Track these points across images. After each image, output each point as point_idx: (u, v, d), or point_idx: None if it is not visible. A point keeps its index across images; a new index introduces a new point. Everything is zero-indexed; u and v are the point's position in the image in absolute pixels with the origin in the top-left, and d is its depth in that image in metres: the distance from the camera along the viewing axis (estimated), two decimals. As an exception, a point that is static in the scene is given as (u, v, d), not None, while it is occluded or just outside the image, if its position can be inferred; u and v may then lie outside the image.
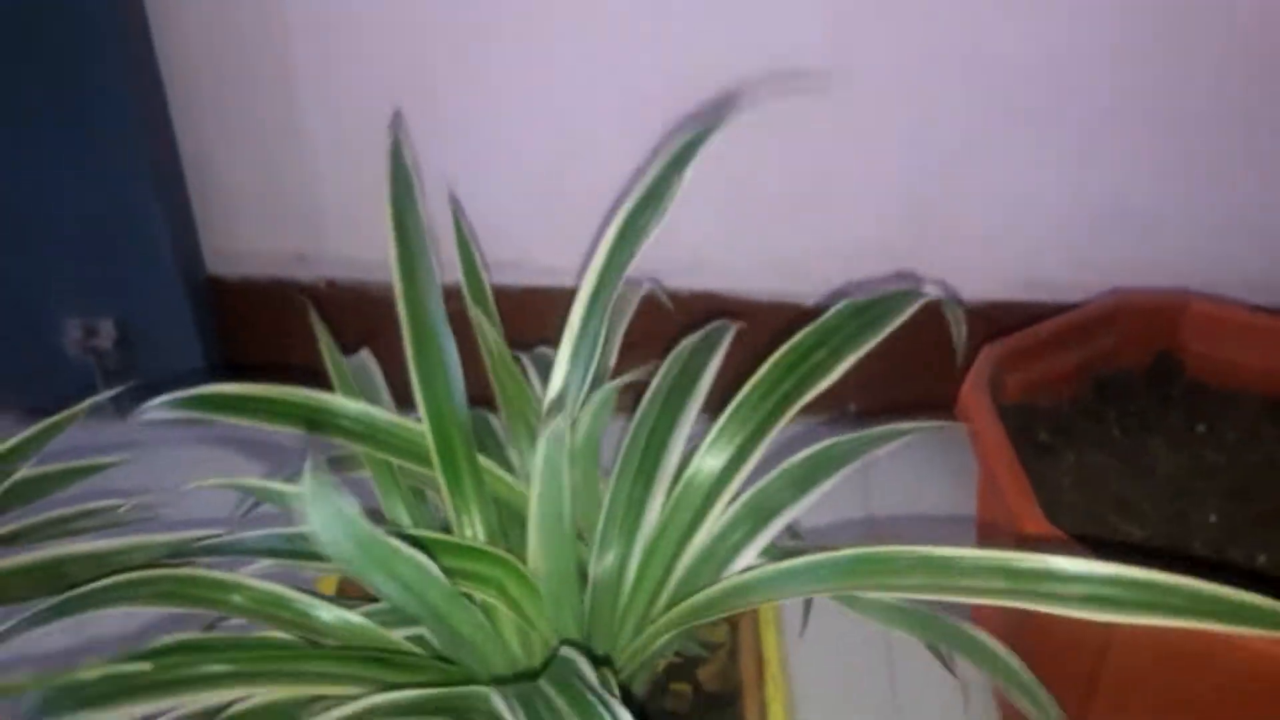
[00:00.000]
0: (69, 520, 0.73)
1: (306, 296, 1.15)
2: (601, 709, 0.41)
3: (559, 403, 0.63)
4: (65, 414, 0.70)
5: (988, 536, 0.84)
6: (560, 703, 0.43)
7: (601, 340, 0.65)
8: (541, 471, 0.54)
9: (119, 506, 0.75)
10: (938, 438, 0.97)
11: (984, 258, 1.11)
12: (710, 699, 0.69)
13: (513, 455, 0.72)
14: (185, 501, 0.98)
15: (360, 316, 1.16)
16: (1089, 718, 0.69)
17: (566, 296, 1.13)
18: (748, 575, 0.55)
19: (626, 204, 0.68)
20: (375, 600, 0.64)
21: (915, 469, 1.09)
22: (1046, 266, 1.11)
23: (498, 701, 0.45)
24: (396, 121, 0.76)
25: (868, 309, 0.63)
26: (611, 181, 1.08)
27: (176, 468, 1.08)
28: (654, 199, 0.69)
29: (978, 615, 0.64)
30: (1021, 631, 0.69)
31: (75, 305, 1.10)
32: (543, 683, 0.46)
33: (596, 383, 0.68)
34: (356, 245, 1.14)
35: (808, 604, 0.77)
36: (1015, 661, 0.55)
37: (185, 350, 1.12)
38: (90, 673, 0.52)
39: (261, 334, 1.18)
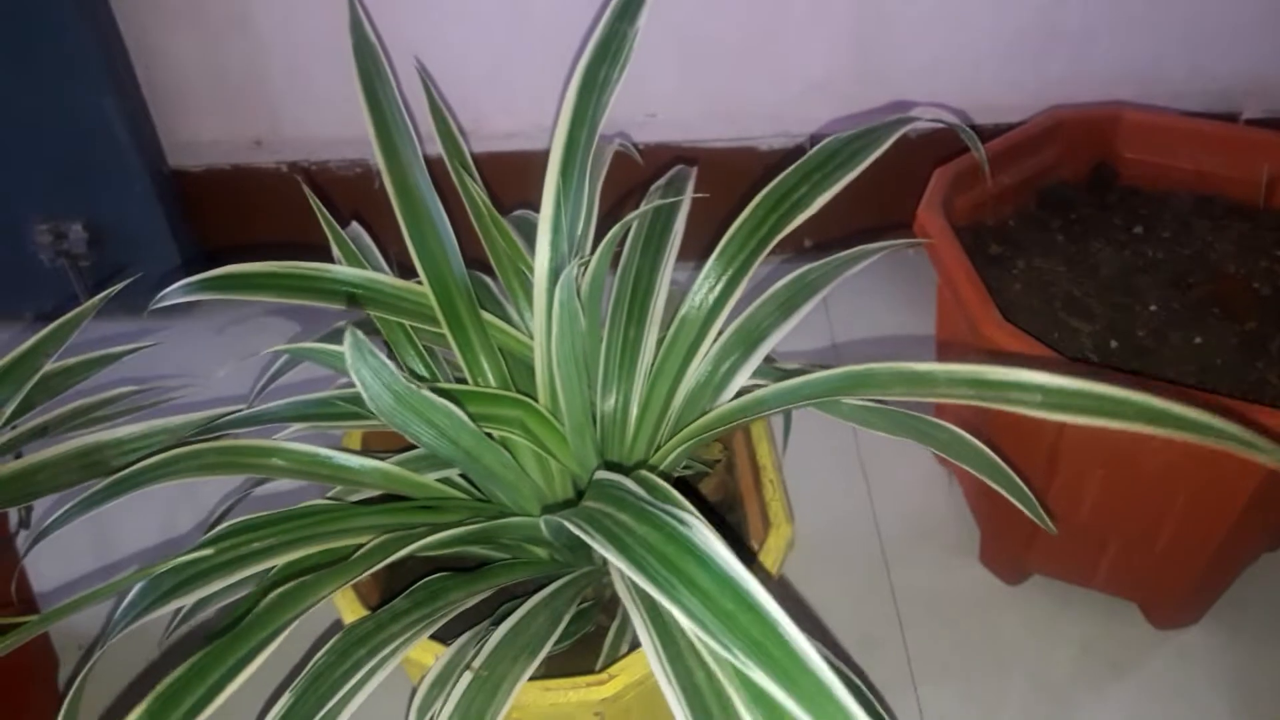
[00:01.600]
0: (94, 409, 0.76)
1: (268, 181, 1.17)
2: (656, 510, 0.47)
3: (561, 253, 0.67)
4: (81, 308, 0.72)
5: (948, 347, 0.91)
6: (612, 510, 0.49)
7: (586, 195, 0.68)
8: (558, 315, 0.58)
9: (138, 391, 0.78)
10: (888, 267, 1.03)
11: (925, 87, 1.15)
12: (713, 509, 0.76)
13: (510, 310, 0.77)
14: (199, 385, 1.03)
15: (323, 196, 1.17)
16: (1051, 485, 0.77)
17: (525, 159, 1.16)
18: (754, 394, 0.60)
19: (582, 59, 0.71)
20: (400, 451, 0.70)
21: (870, 297, 1.16)
22: (985, 90, 1.15)
23: (547, 524, 0.51)
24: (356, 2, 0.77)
25: (849, 143, 0.67)
26: (561, 42, 1.09)
27: (188, 352, 1.12)
28: (609, 51, 0.71)
29: (940, 416, 0.70)
30: (984, 428, 0.76)
31: (42, 211, 1.11)
32: (591, 502, 0.52)
33: (580, 236, 0.72)
34: (312, 125, 1.15)
35: (787, 420, 0.83)
36: (990, 451, 0.62)
37: (157, 243, 1.14)
38: (163, 567, 0.57)
39: (229, 220, 1.19)
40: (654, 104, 1.14)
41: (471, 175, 0.75)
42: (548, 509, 0.61)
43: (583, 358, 0.63)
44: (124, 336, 0.79)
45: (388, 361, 0.48)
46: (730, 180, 1.06)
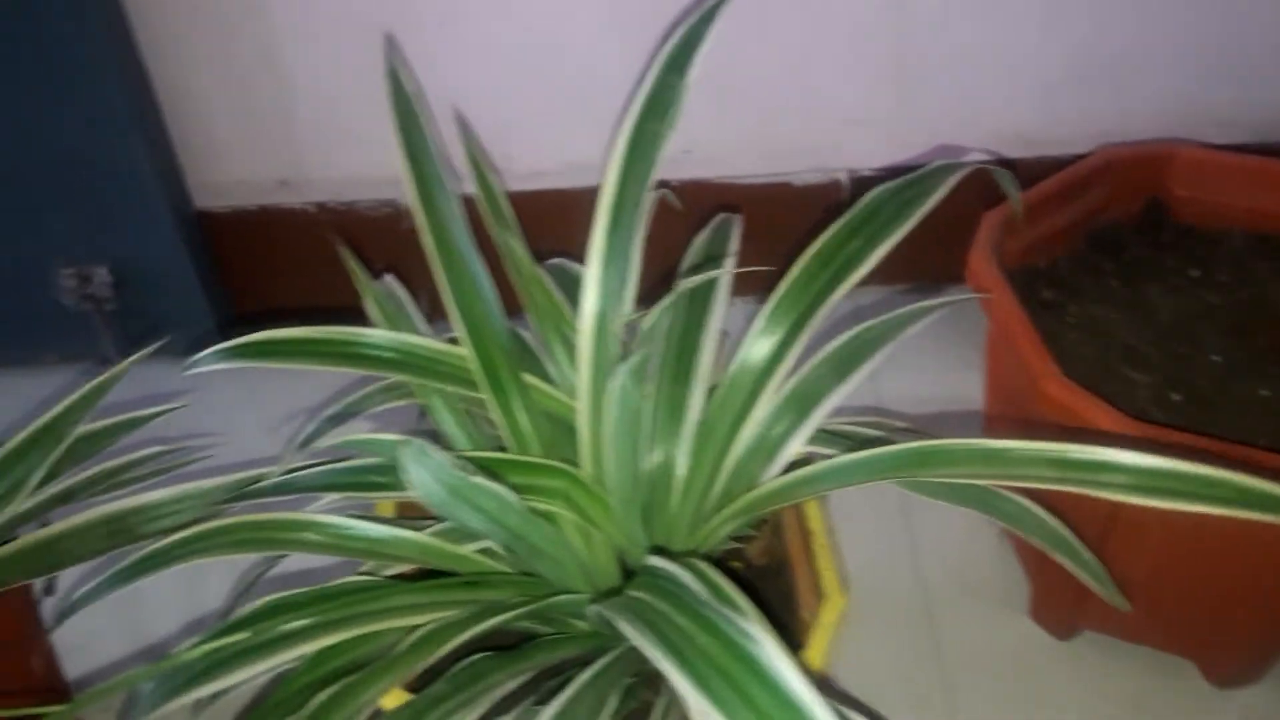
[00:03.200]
0: (120, 471, 0.74)
1: (297, 222, 1.15)
2: (718, 618, 0.44)
3: (607, 319, 0.64)
4: (111, 372, 0.70)
5: (1000, 401, 0.88)
6: (668, 609, 0.46)
7: (634, 253, 0.66)
8: (617, 402, 0.56)
9: (165, 452, 0.76)
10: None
11: (964, 120, 1.12)
12: (760, 573, 0.73)
13: (547, 364, 0.74)
14: (226, 444, 1.00)
15: (350, 237, 1.15)
16: (1107, 542, 0.74)
17: (553, 198, 1.13)
18: (812, 469, 0.57)
19: (630, 115, 0.68)
20: (435, 519, 0.67)
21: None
22: (1025, 123, 1.13)
23: (595, 615, 0.48)
24: (390, 47, 0.75)
25: (898, 192, 0.65)
26: (589, 79, 1.07)
27: (215, 410, 1.09)
28: (658, 106, 0.69)
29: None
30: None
31: (67, 254, 1.09)
32: (642, 594, 0.49)
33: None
34: (339, 166, 1.13)
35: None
36: (1062, 527, 0.59)
37: (182, 286, 1.12)
38: (193, 653, 0.54)
39: (255, 262, 1.17)
40: (690, 141, 1.12)
41: (510, 228, 0.73)
42: (596, 597, 0.58)
43: (638, 435, 0.61)
44: (148, 379, 0.76)
45: (442, 459, 0.45)
46: (767, 217, 1.03)
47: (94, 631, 0.91)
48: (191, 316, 1.12)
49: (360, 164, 1.12)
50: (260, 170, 1.12)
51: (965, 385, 1.03)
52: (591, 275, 0.66)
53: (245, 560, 0.86)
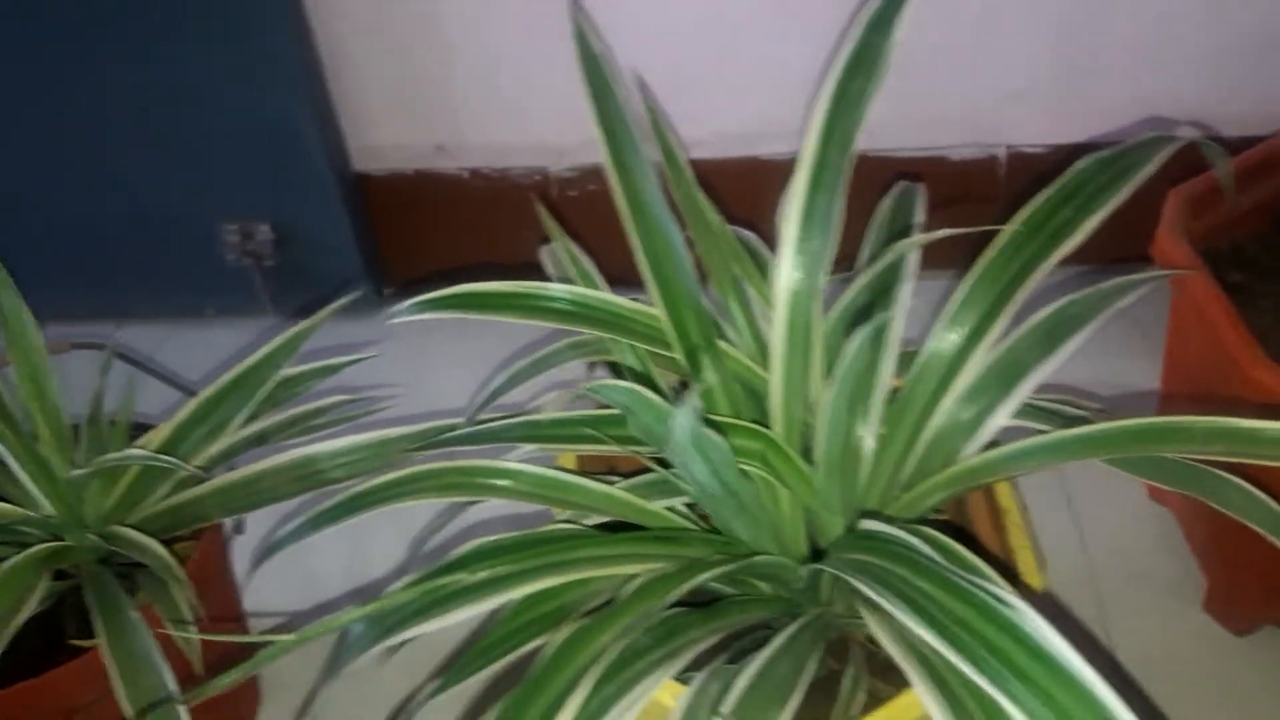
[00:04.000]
0: (307, 418, 0.76)
1: (451, 186, 1.16)
2: (964, 581, 0.43)
3: (812, 281, 0.63)
4: (314, 318, 0.72)
5: (1180, 381, 0.85)
6: (903, 571, 0.45)
7: (835, 217, 0.65)
8: (841, 378, 0.55)
9: (349, 401, 0.78)
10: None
11: (1128, 97, 1.09)
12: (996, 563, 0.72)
13: (728, 329, 0.74)
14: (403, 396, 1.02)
15: (505, 202, 1.17)
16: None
17: (709, 168, 1.12)
18: (1038, 441, 0.56)
19: (833, 72, 0.67)
20: (616, 475, 0.68)
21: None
22: (1193, 100, 1.08)
23: (809, 572, 0.48)
24: (575, 9, 0.75)
25: (1112, 162, 0.63)
26: (744, 49, 1.06)
27: (397, 363, 1.10)
28: (863, 64, 0.68)
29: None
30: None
31: (231, 211, 1.12)
32: (863, 555, 0.48)
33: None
34: (494, 132, 1.13)
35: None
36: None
37: (340, 246, 1.14)
38: (407, 593, 0.55)
39: (410, 225, 1.19)
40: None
41: (695, 187, 0.72)
42: (804, 558, 0.58)
43: (855, 402, 0.60)
44: (315, 343, 0.78)
45: (700, 406, 0.45)
46: (926, 189, 1.01)
47: (266, 584, 0.94)
48: (348, 275, 1.15)
49: (515, 131, 1.12)
50: (417, 135, 1.14)
51: (1126, 371, 1.01)
52: (789, 237, 0.65)
53: (413, 524, 0.88)
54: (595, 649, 0.51)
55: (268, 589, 0.91)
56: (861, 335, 0.53)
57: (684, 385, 0.69)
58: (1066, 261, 0.62)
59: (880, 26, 0.66)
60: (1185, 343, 0.83)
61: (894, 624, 0.50)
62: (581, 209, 1.14)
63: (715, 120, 1.11)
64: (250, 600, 0.85)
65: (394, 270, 1.21)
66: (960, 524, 0.72)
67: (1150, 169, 0.64)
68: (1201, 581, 0.86)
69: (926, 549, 0.47)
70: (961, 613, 0.42)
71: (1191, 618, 0.85)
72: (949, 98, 1.09)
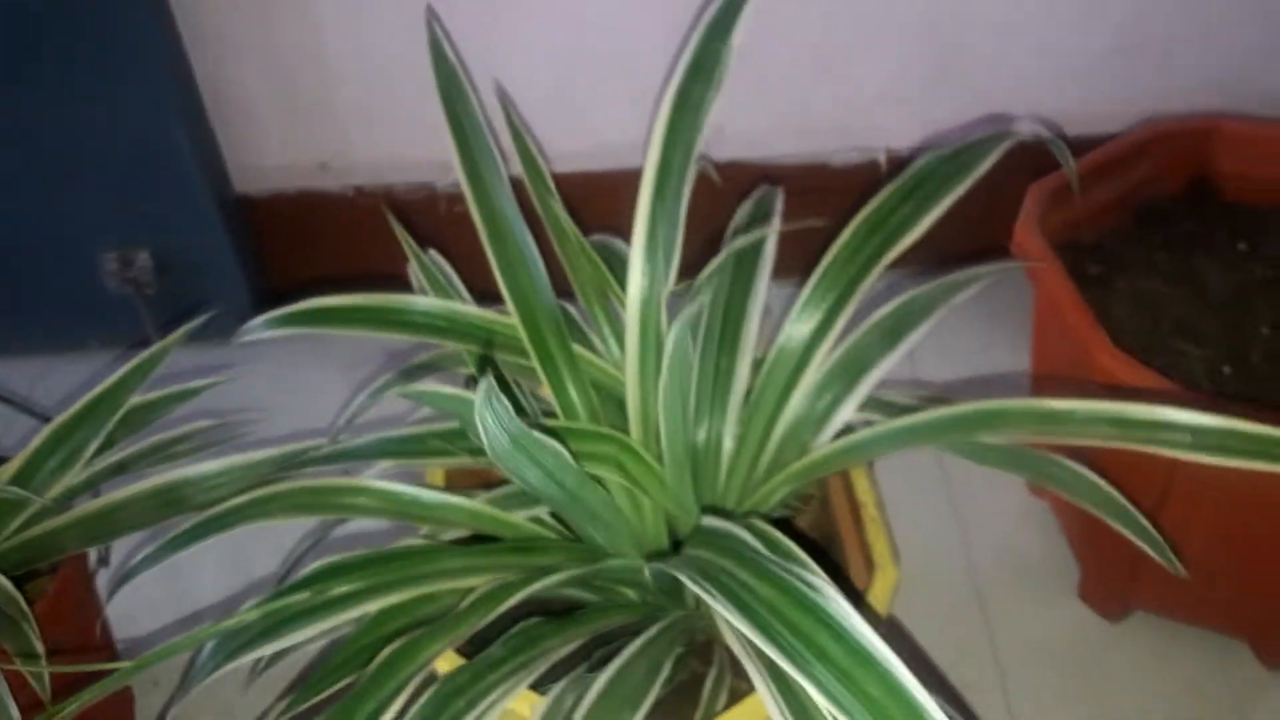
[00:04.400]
0: (171, 444, 0.75)
1: (335, 205, 1.15)
2: (779, 570, 0.44)
3: (657, 282, 0.64)
4: (164, 342, 0.71)
5: (1045, 374, 0.87)
6: (729, 565, 0.46)
7: (680, 218, 0.66)
8: (670, 355, 0.55)
9: (214, 425, 0.76)
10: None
11: (1002, 98, 1.11)
12: (808, 547, 0.73)
13: (593, 338, 0.74)
14: (269, 420, 1.01)
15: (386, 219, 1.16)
16: (1160, 516, 0.73)
17: (590, 180, 1.13)
18: (868, 433, 0.57)
19: (674, 79, 0.68)
20: (484, 488, 0.68)
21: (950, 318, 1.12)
22: (1066, 101, 1.12)
23: (653, 573, 0.48)
24: (432, 22, 0.75)
25: (948, 160, 0.64)
26: (622, 63, 1.07)
27: (262, 385, 1.10)
28: (702, 70, 0.68)
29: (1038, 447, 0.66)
30: (1088, 457, 0.73)
31: (109, 237, 1.10)
32: (700, 551, 0.49)
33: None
34: (379, 149, 1.13)
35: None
36: (1114, 491, 0.58)
37: (223, 270, 1.13)
38: (254, 613, 0.55)
39: (295, 246, 1.18)
40: (722, 119, 1.11)
41: (554, 198, 0.73)
42: (650, 556, 0.58)
43: (689, 397, 0.61)
44: (191, 361, 0.77)
45: (509, 406, 0.45)
46: (803, 197, 1.03)
47: (145, 605, 0.92)
48: (231, 300, 1.13)
49: (399, 147, 1.12)
50: (300, 154, 1.13)
51: (1004, 366, 1.03)
52: (638, 241, 0.66)
53: (290, 539, 0.87)
54: (423, 660, 0.51)
55: (145, 616, 0.91)
56: (679, 324, 0.54)
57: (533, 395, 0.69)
58: (949, 260, 0.63)
59: (718, 32, 0.67)
60: (1045, 332, 0.85)
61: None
62: (470, 224, 1.13)
63: (597, 133, 1.11)
64: (131, 626, 0.83)
65: (282, 293, 1.19)
66: (822, 521, 0.73)
67: (988, 164, 0.65)
68: (1077, 571, 0.88)
69: (752, 540, 0.48)
70: (775, 600, 0.43)
71: (1068, 606, 0.87)
72: (826, 103, 1.11)
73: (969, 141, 0.67)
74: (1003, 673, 0.83)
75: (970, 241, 0.99)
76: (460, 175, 0.69)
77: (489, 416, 0.44)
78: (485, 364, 0.65)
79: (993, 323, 1.08)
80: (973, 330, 1.11)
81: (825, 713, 0.39)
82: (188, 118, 1.05)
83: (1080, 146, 0.92)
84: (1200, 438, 0.48)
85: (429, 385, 0.54)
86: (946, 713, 0.38)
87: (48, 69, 1.00)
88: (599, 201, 0.89)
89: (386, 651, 0.51)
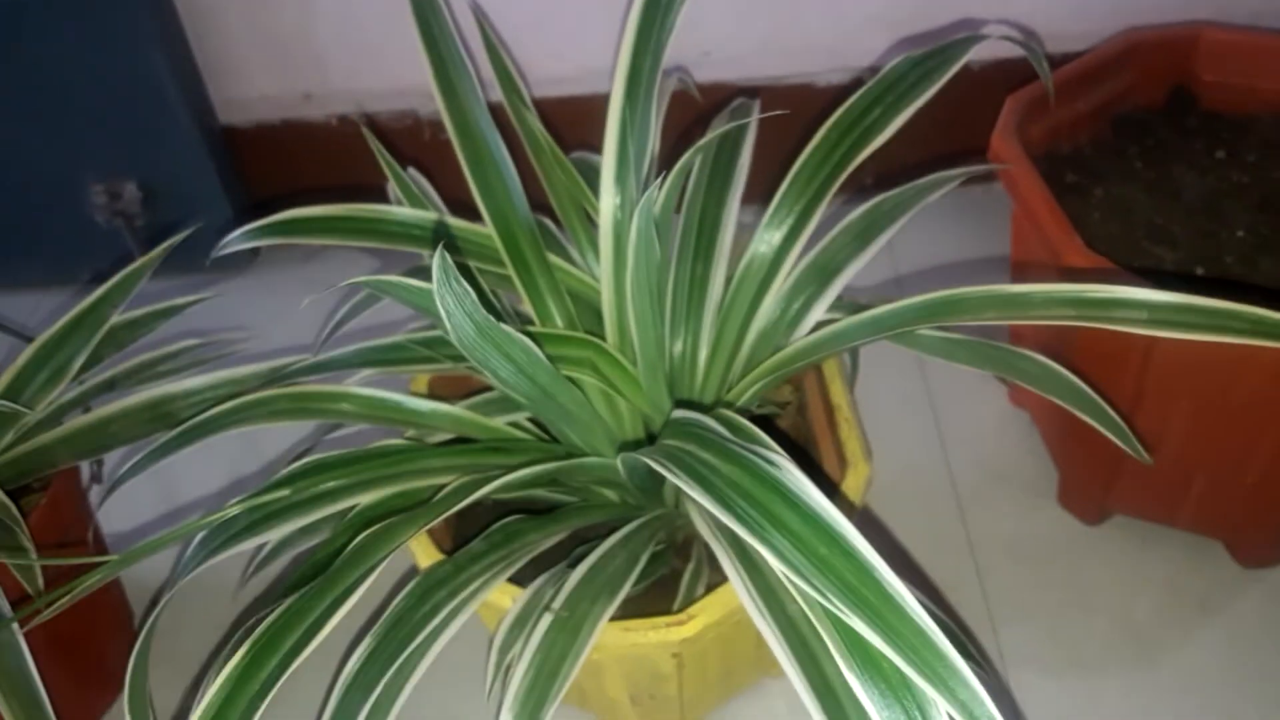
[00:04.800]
0: (159, 362, 0.76)
1: (320, 134, 1.16)
2: (742, 449, 0.45)
3: (629, 187, 0.65)
4: (144, 259, 0.72)
5: (1023, 276, 0.88)
6: (695, 449, 0.47)
7: (650, 129, 0.66)
8: (635, 245, 0.56)
9: (201, 344, 0.78)
10: (953, 204, 0.99)
11: (989, 17, 1.11)
12: (788, 441, 0.74)
13: (573, 252, 0.75)
14: (259, 338, 1.03)
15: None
16: (1136, 418, 0.74)
17: (574, 104, 1.13)
18: (832, 328, 0.58)
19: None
20: (467, 396, 0.69)
21: (935, 234, 1.13)
22: (1052, 17, 1.11)
23: (625, 463, 0.50)
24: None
25: (920, 63, 0.65)
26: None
27: (245, 307, 1.12)
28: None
29: (1015, 341, 0.67)
30: (1064, 351, 0.74)
31: (97, 172, 1.11)
32: (670, 440, 0.50)
33: (644, 172, 0.70)
34: (361, 77, 1.13)
35: (854, 360, 0.81)
36: (1080, 382, 0.59)
37: (210, 201, 1.13)
38: (239, 506, 0.56)
39: (280, 175, 1.18)
40: (708, 42, 1.11)
41: (531, 113, 0.73)
42: (624, 448, 0.59)
43: (657, 293, 0.62)
44: (181, 292, 0.79)
45: (470, 290, 0.46)
46: (788, 117, 1.03)
47: (138, 516, 0.95)
48: (218, 228, 1.14)
49: (382, 76, 1.12)
50: (283, 85, 1.13)
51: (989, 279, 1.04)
52: (610, 148, 0.66)
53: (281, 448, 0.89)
54: (395, 544, 0.52)
55: (138, 532, 0.94)
56: (639, 212, 0.55)
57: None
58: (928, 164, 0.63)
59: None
60: (1021, 239, 0.86)
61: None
62: (454, 150, 1.14)
63: (579, 55, 1.11)
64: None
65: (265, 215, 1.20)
66: (799, 425, 0.75)
67: (956, 66, 0.66)
68: (1056, 477, 0.90)
69: (719, 428, 0.49)
70: (735, 475, 0.44)
71: (1047, 511, 0.89)
72: (811, 23, 1.11)
73: (939, 45, 0.67)
74: (980, 573, 0.84)
75: (956, 153, 1.00)
76: (435, 93, 0.70)
77: (449, 299, 0.45)
78: (522, 273, 0.65)
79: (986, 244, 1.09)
80: (961, 232, 1.12)
81: (781, 576, 0.41)
82: (170, 50, 1.05)
83: (1067, 63, 0.92)
84: (1156, 313, 0.49)
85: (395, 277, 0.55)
86: (925, 606, 0.40)
87: (29, 4, 1.00)
88: (583, 124, 0.89)
89: (360, 538, 0.52)
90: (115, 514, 0.90)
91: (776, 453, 0.45)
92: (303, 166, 1.17)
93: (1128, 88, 0.93)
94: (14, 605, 0.64)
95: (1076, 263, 0.71)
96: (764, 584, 0.48)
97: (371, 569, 0.50)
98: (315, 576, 0.57)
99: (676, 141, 1.08)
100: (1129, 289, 0.49)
